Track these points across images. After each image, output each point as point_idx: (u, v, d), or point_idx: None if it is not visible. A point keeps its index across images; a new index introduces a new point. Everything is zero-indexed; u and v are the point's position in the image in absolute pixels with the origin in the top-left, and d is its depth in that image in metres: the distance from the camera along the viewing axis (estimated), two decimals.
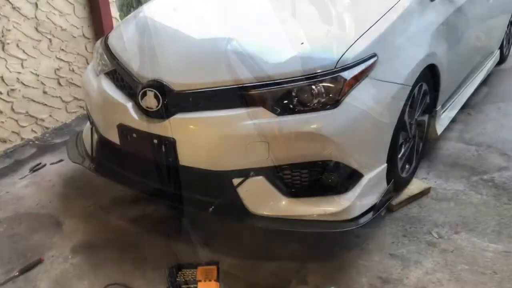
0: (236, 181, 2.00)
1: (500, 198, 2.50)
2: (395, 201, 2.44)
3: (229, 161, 1.97)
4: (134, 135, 2.15)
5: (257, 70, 1.99)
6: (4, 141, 3.29)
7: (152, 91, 2.06)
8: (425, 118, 2.64)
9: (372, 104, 2.01)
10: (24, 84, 3.33)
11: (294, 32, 2.19)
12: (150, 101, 2.06)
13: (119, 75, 2.32)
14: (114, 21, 3.86)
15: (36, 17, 3.32)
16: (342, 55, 1.99)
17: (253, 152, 1.93)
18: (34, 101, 3.43)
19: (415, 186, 2.57)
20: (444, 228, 2.30)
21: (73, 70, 3.66)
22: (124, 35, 2.57)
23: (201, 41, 2.28)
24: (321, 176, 2.00)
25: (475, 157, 2.92)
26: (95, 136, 2.49)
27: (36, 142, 3.42)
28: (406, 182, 2.54)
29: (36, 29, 3.34)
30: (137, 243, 2.30)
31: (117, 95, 2.26)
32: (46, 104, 3.53)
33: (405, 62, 2.20)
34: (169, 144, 2.03)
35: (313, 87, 1.94)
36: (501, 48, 4.28)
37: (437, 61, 2.46)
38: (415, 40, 2.31)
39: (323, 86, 1.94)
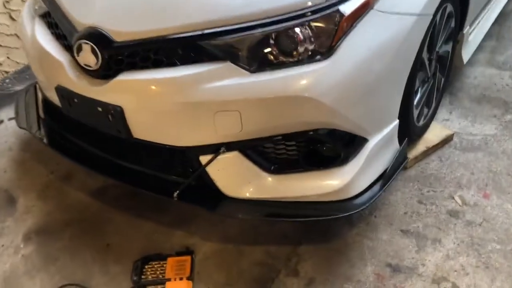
0: (204, 159, 1.56)
1: None
2: (409, 155, 1.99)
3: (192, 134, 1.52)
4: (76, 100, 1.68)
5: (221, 10, 1.46)
6: None
7: (88, 43, 1.55)
8: (449, 47, 2.09)
9: (379, 48, 1.48)
10: None
11: None
12: (88, 56, 1.56)
13: (53, 20, 1.80)
14: None
15: None
16: None
17: (221, 123, 1.46)
18: None
19: (434, 134, 2.10)
20: (470, 190, 1.87)
21: (25, 1, 3.09)
22: None
23: None
24: (312, 147, 1.55)
25: (510, 87, 2.39)
26: (39, 96, 2.05)
27: None
28: (424, 130, 2.07)
29: None
30: (98, 224, 1.93)
31: (51, 47, 1.75)
32: (0, 45, 3.02)
33: None
34: (116, 114, 1.57)
35: (297, 30, 1.41)
36: None
37: None
38: None
39: (312, 27, 1.41)
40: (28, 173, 2.27)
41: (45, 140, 2.02)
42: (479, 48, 2.60)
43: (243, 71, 1.43)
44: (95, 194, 2.09)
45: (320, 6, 1.41)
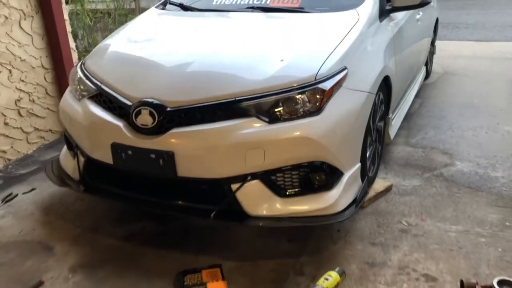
0: (234, 186, 2.18)
1: (452, 189, 2.88)
2: (364, 199, 2.72)
3: (228, 168, 2.15)
4: (130, 152, 2.26)
5: (246, 85, 2.21)
6: None
7: (146, 109, 2.20)
8: (382, 124, 2.99)
9: (348, 109, 2.30)
10: None
11: (273, 50, 2.44)
12: (145, 118, 2.20)
13: (106, 98, 2.42)
14: (71, 51, 3.90)
15: None
16: (319, 69, 2.26)
17: (250, 158, 2.12)
18: None
19: (379, 185, 2.89)
20: (411, 217, 2.62)
21: (33, 101, 3.65)
22: (103, 63, 2.67)
23: (186, 63, 2.44)
24: (309, 175, 2.24)
25: (423, 158, 3.32)
26: (81, 159, 2.56)
27: (0, 174, 3.35)
28: (372, 180, 2.85)
29: None
30: (135, 257, 2.37)
31: (108, 116, 2.36)
32: (7, 136, 3.48)
33: (368, 74, 2.53)
34: (168, 157, 2.17)
35: (298, 97, 2.19)
36: (426, 64, 4.86)
37: (389, 73, 2.83)
38: (373, 55, 2.66)
39: (307, 95, 2.20)
40: (56, 229, 2.66)
41: (85, 190, 2.51)
42: (397, 134, 3.58)
43: (264, 122, 2.15)
44: (123, 239, 2.54)
45: (312, 83, 2.21)
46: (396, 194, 2.86)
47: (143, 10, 5.48)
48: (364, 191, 2.51)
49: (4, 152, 3.47)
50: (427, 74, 4.99)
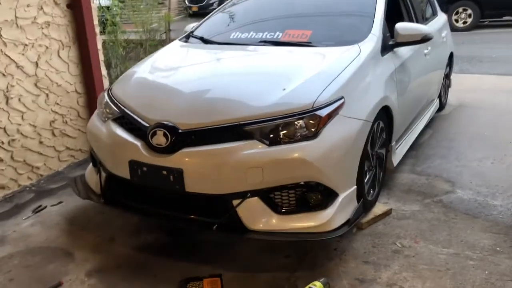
0: (235, 202, 2.40)
1: (449, 214, 3.01)
2: (363, 220, 2.89)
3: (230, 185, 2.38)
4: (145, 168, 2.53)
5: (250, 110, 2.46)
6: (3, 188, 3.54)
7: (161, 130, 2.47)
8: (383, 151, 3.16)
9: (343, 135, 2.50)
10: (23, 135, 3.64)
11: (277, 80, 2.70)
12: (160, 139, 2.47)
13: (128, 120, 2.71)
14: (103, 78, 4.27)
15: (36, 74, 3.69)
16: (317, 98, 2.49)
17: (250, 176, 2.35)
18: (31, 150, 3.72)
19: (378, 208, 3.04)
20: (405, 239, 2.76)
21: (66, 122, 4.00)
22: (127, 89, 2.99)
23: (199, 90, 2.73)
24: (305, 195, 2.44)
25: (426, 185, 3.45)
26: (103, 174, 2.84)
27: (33, 188, 3.68)
28: (372, 204, 3.01)
29: (36, 85, 3.70)
30: (145, 265, 2.61)
31: (128, 136, 2.64)
32: (41, 153, 3.82)
33: (365, 103, 2.74)
34: (177, 174, 2.42)
35: (296, 122, 2.42)
36: (439, 97, 5.01)
37: (389, 103, 3.02)
38: (372, 86, 2.87)
39: (304, 121, 2.42)
40: (78, 238, 2.94)
41: (105, 203, 2.78)
42: (405, 162, 3.73)
43: (264, 145, 2.38)
44: (136, 248, 2.78)
45: (309, 110, 2.44)
46: (395, 218, 3.01)
47: (172, 41, 5.87)
48: (359, 212, 2.68)
49: (38, 168, 3.81)
50: (441, 106, 5.12)
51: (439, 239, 2.74)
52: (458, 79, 6.60)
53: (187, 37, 3.80)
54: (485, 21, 12.21)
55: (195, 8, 17.34)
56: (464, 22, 11.82)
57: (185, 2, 18.08)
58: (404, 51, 3.47)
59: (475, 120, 4.94)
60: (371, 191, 2.99)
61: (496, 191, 3.30)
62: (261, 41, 3.33)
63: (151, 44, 6.11)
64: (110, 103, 2.90)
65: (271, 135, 2.40)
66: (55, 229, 3.05)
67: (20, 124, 3.61)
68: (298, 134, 2.42)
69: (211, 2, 17.69)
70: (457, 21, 11.88)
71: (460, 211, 3.05)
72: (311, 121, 2.44)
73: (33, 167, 3.76)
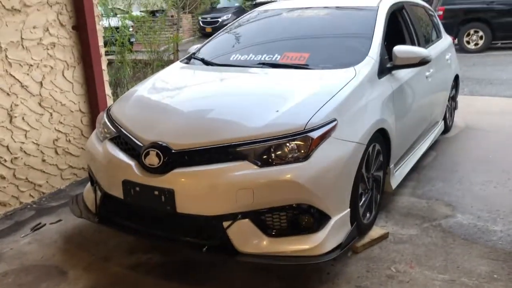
0: (226, 223, 2.39)
1: (447, 239, 2.95)
2: (359, 244, 2.85)
3: (220, 206, 2.38)
4: (137, 188, 2.54)
5: (242, 131, 2.47)
6: (4, 205, 3.58)
7: (154, 150, 2.49)
8: (380, 174, 3.13)
9: (335, 158, 2.49)
10: (26, 153, 3.70)
11: (271, 102, 2.71)
12: (152, 159, 2.49)
13: (123, 140, 2.74)
14: (107, 98, 4.34)
15: (40, 94, 3.77)
16: (309, 120, 2.49)
17: (240, 198, 2.34)
18: (33, 168, 3.77)
19: (375, 232, 3.00)
20: (401, 264, 2.71)
21: (69, 141, 4.06)
22: (125, 108, 3.03)
23: (194, 110, 2.77)
24: (297, 217, 2.42)
25: (425, 208, 3.40)
26: (98, 194, 2.86)
27: (34, 205, 3.73)
28: (368, 228, 2.97)
29: (40, 104, 3.77)
30: (137, 284, 2.60)
31: (122, 156, 2.67)
32: (44, 171, 3.87)
33: (359, 126, 2.73)
34: (169, 194, 2.43)
35: (287, 144, 2.42)
36: (444, 119, 4.97)
37: (386, 126, 3.01)
38: (367, 109, 2.86)
39: (295, 143, 2.42)
40: (73, 256, 2.95)
41: (99, 222, 2.80)
42: (405, 185, 3.70)
43: (255, 166, 2.38)
44: (130, 268, 2.79)
45: (301, 131, 2.44)
46: (391, 242, 2.96)
47: None
48: (352, 235, 2.64)
49: (40, 186, 3.85)
50: (446, 129, 5.08)
51: (435, 265, 2.69)
52: (467, 100, 6.56)
53: (189, 59, 3.85)
54: (497, 43, 12.15)
55: (209, 29, 17.59)
56: (476, 44, 11.79)
57: (199, 24, 18.36)
58: (403, 74, 3.46)
59: (481, 143, 4.88)
60: (367, 214, 2.96)
61: (497, 216, 3.24)
62: (259, 63, 3.36)
63: (157, 65, 6.21)
64: (108, 123, 2.94)
65: (263, 157, 2.41)
66: (51, 248, 3.07)
67: (23, 142, 3.67)
68: (290, 155, 2.41)
69: (225, 23, 17.95)
70: (468, 42, 11.86)
71: (458, 236, 3.00)
72: (302, 143, 2.44)
73: (35, 185, 3.81)
